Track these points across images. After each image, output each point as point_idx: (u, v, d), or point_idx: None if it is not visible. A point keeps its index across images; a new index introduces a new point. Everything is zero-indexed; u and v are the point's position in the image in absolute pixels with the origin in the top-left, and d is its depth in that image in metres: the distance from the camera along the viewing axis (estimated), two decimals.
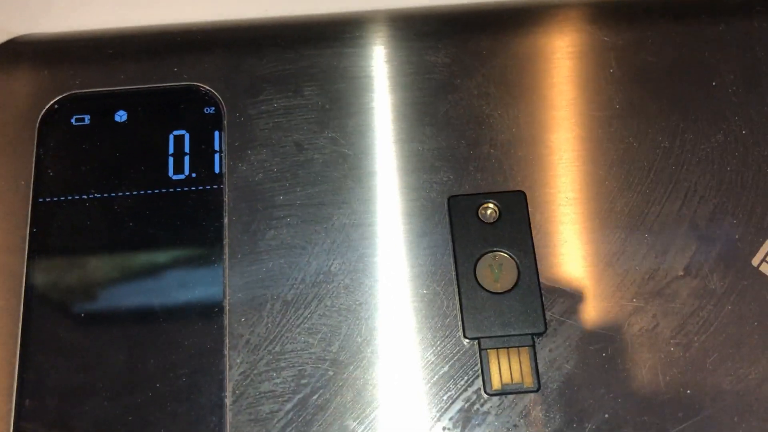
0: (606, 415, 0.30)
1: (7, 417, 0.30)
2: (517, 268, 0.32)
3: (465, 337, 0.31)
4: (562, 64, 0.36)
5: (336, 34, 0.37)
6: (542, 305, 0.31)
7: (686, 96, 0.35)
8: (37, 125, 0.35)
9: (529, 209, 0.33)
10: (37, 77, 0.36)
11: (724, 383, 0.31)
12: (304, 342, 0.31)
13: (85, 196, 0.34)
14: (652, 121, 0.35)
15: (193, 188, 0.34)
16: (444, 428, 0.30)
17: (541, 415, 0.30)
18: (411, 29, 0.37)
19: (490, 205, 0.33)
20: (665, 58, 0.36)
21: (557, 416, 0.30)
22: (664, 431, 0.30)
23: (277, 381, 0.31)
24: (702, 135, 0.35)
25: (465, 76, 0.36)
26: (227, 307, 0.32)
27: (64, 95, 0.36)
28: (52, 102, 0.35)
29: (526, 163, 0.34)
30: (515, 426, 0.30)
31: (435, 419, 0.30)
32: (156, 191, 0.34)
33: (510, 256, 0.32)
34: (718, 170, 0.34)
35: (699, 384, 0.31)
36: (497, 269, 0.32)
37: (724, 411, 0.30)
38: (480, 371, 0.31)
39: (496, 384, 0.30)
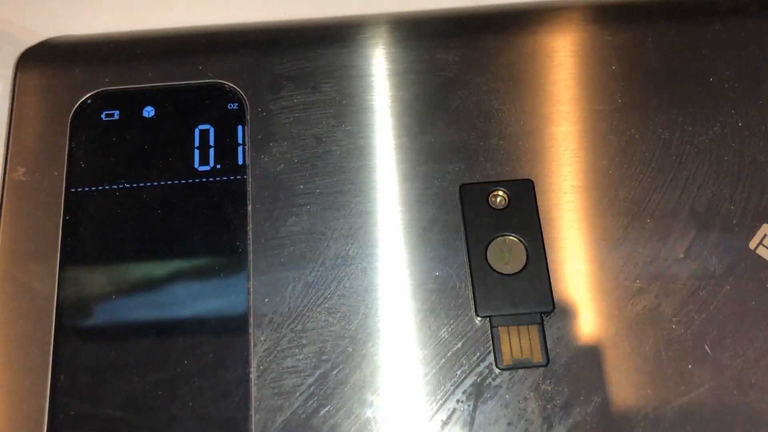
0: (611, 389, 0.32)
1: (43, 392, 0.32)
2: (526, 251, 0.34)
3: (477, 315, 0.33)
4: (566, 62, 0.38)
5: (351, 35, 0.39)
6: (550, 285, 0.33)
7: (684, 91, 0.37)
8: (70, 120, 0.37)
9: (537, 197, 0.35)
10: (69, 75, 0.38)
11: (724, 358, 0.32)
12: (325, 321, 0.33)
13: (114, 186, 0.36)
14: (652, 114, 0.37)
15: (218, 179, 0.36)
16: (458, 401, 0.32)
17: (550, 388, 0.32)
18: (422, 30, 0.39)
19: (500, 193, 0.35)
20: (664, 56, 0.38)
21: (565, 389, 0.32)
22: (667, 404, 0.32)
23: (299, 357, 0.32)
24: (700, 127, 0.36)
25: (474, 73, 0.38)
26: (251, 289, 0.34)
27: (94, 92, 0.38)
28: (83, 98, 0.37)
29: (533, 153, 0.36)
30: (525, 399, 0.32)
31: (449, 393, 0.32)
32: (183, 182, 0.36)
33: (519, 240, 0.34)
34: (715, 160, 0.36)
35: (699, 359, 0.32)
36: (507, 252, 0.34)
37: (724, 385, 0.32)
38: (491, 348, 0.32)
39: (507, 359, 0.32)
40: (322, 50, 0.38)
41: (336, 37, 0.39)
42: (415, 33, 0.39)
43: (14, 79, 0.39)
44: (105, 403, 0.32)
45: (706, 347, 0.32)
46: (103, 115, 0.37)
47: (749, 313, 0.33)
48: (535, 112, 0.37)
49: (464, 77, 0.38)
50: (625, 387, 0.32)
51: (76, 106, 0.37)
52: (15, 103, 0.38)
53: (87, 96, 0.37)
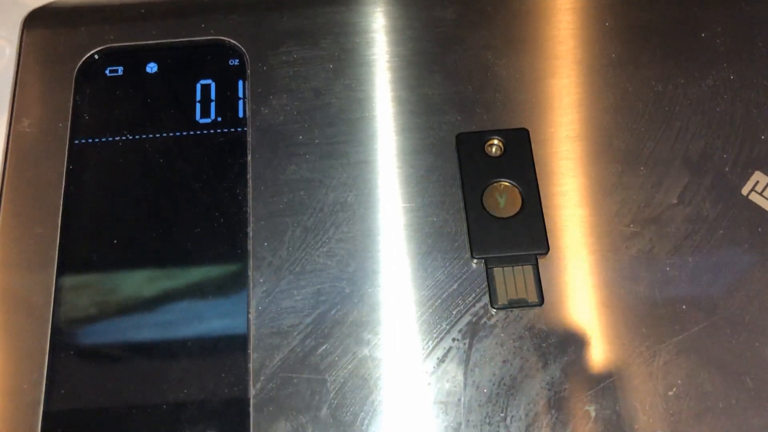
0: (605, 328, 0.32)
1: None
2: (521, 195, 0.34)
3: (473, 257, 0.33)
4: (561, 19, 0.39)
5: None
6: (545, 228, 0.34)
7: (677, 46, 0.38)
8: (75, 75, 0.38)
9: (532, 146, 0.36)
10: (74, 34, 0.39)
11: (717, 299, 0.33)
12: (323, 263, 0.34)
13: (117, 138, 0.37)
14: (645, 68, 0.37)
15: (219, 131, 0.37)
16: (453, 339, 0.32)
17: (545, 327, 0.32)
18: None
19: (495, 141, 0.35)
20: (657, 13, 0.39)
21: (560, 329, 0.32)
22: (661, 342, 0.32)
23: (298, 298, 0.33)
24: (692, 80, 0.37)
25: (471, 29, 0.38)
26: (251, 234, 0.34)
27: (99, 48, 0.38)
28: (88, 55, 0.38)
29: (529, 105, 0.37)
30: (521, 338, 0.32)
31: (445, 332, 0.32)
32: (184, 133, 0.37)
33: (514, 185, 0.35)
34: (708, 111, 0.36)
35: (693, 300, 0.33)
36: (502, 197, 0.34)
37: (717, 324, 0.32)
38: (487, 288, 0.33)
39: (502, 299, 0.33)
40: (321, 8, 0.39)
41: None
42: None
43: (20, 38, 0.39)
44: (106, 350, 0.32)
45: (700, 288, 0.33)
46: (107, 71, 0.38)
47: (742, 255, 0.33)
48: (530, 67, 0.38)
49: (461, 33, 0.38)
50: (619, 327, 0.32)
51: (80, 62, 0.38)
52: (21, 61, 0.39)
53: (92, 52, 0.38)
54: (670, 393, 0.31)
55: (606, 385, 0.31)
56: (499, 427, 0.31)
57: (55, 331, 0.33)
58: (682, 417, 0.31)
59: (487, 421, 0.31)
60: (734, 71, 0.37)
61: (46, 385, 0.32)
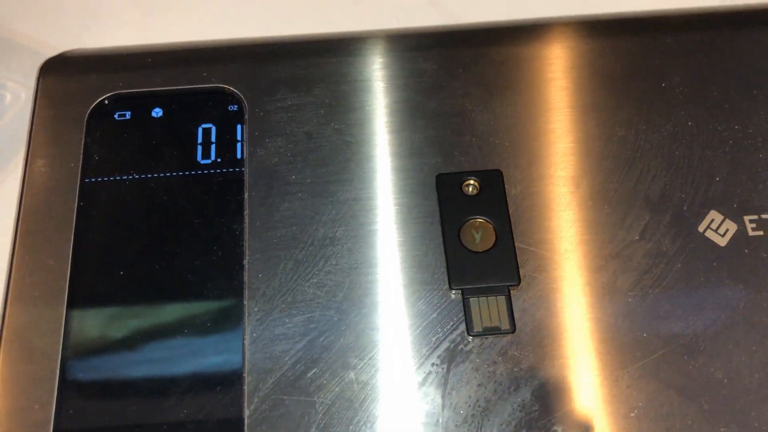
0: (573, 354, 0.35)
1: (54, 365, 0.35)
2: (495, 232, 0.37)
3: (451, 288, 0.36)
4: (531, 69, 0.42)
5: (341, 48, 0.43)
6: (516, 262, 0.37)
7: (639, 94, 0.41)
8: (86, 119, 0.41)
9: (506, 186, 0.39)
10: (86, 81, 0.42)
11: (676, 328, 0.35)
12: (313, 294, 0.36)
13: (125, 177, 0.40)
14: (609, 114, 0.41)
15: (218, 171, 0.40)
16: (433, 364, 0.35)
17: (516, 353, 0.35)
18: (404, 44, 0.44)
19: (472, 181, 0.39)
20: (621, 64, 0.42)
21: (530, 355, 0.35)
22: (624, 368, 0.35)
23: (289, 325, 0.36)
24: (653, 126, 0.40)
25: (450, 78, 0.42)
26: (247, 266, 0.37)
27: (109, 95, 0.42)
28: (98, 101, 0.42)
29: (503, 148, 0.40)
30: (494, 363, 0.35)
31: (425, 357, 0.35)
32: (186, 173, 0.40)
33: (489, 222, 0.38)
34: (667, 154, 0.40)
35: (653, 329, 0.35)
36: (478, 233, 0.37)
37: (676, 351, 0.35)
38: (464, 317, 0.36)
39: (477, 327, 0.35)
40: (314, 59, 0.43)
41: (327, 49, 0.43)
42: (398, 46, 0.43)
43: (36, 85, 0.43)
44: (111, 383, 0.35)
45: (660, 318, 0.36)
46: (116, 115, 0.41)
47: (699, 287, 0.36)
48: (504, 113, 0.41)
49: (441, 83, 0.42)
50: (585, 353, 0.35)
51: (91, 107, 0.41)
52: (36, 106, 0.42)
53: (102, 98, 0.42)
54: (632, 414, 0.34)
55: (572, 406, 0.34)
56: None
57: (65, 356, 0.35)
58: None
59: None
60: (691, 118, 0.41)
61: (56, 405, 0.34)
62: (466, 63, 0.42)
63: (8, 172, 0.42)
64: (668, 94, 0.41)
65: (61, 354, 0.35)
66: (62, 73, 0.43)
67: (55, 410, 0.34)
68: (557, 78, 0.42)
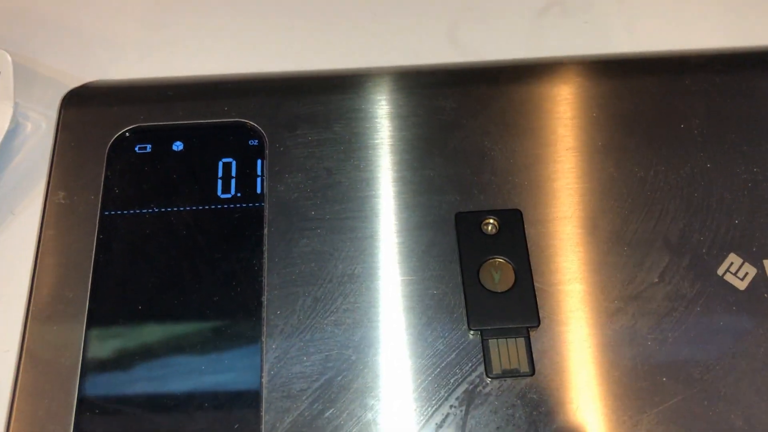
0: (593, 397, 0.35)
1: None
2: (515, 272, 0.37)
3: (470, 329, 0.36)
4: (552, 109, 0.42)
5: (361, 84, 0.44)
6: (536, 303, 0.36)
7: (658, 136, 0.41)
8: (107, 151, 0.41)
9: (525, 226, 0.39)
10: (108, 113, 0.43)
11: (695, 372, 0.35)
12: (331, 332, 0.36)
13: (145, 211, 0.40)
14: (629, 155, 0.41)
15: (238, 205, 0.40)
16: (451, 406, 0.35)
17: (536, 396, 0.35)
18: (424, 81, 0.44)
19: (491, 220, 0.39)
20: (640, 105, 0.42)
21: (549, 398, 0.35)
22: (643, 412, 0.34)
23: (307, 364, 0.36)
24: (672, 167, 0.40)
25: (469, 117, 0.42)
26: (265, 302, 0.37)
27: (130, 127, 0.42)
28: (119, 133, 0.42)
29: (522, 188, 0.40)
30: (513, 405, 0.35)
31: (443, 398, 0.35)
32: (206, 207, 0.40)
33: (508, 262, 0.38)
34: (686, 196, 0.40)
35: (673, 373, 0.35)
36: (497, 273, 0.37)
37: (695, 396, 0.35)
38: (482, 358, 0.36)
39: (496, 369, 0.35)
40: (334, 95, 0.43)
41: (347, 85, 0.44)
42: (417, 83, 0.44)
43: (58, 116, 0.43)
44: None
45: (679, 362, 0.35)
46: (137, 148, 0.42)
47: (718, 332, 0.36)
48: (523, 152, 0.41)
49: (460, 121, 0.42)
50: (604, 396, 0.35)
51: (113, 140, 0.42)
52: (58, 137, 0.42)
53: (123, 131, 0.42)
54: None
55: None
56: None
57: (82, 388, 0.35)
58: None
59: None
60: (710, 160, 0.41)
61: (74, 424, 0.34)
62: (486, 101, 0.42)
63: (29, 202, 0.42)
64: (687, 136, 0.41)
65: (75, 408, 0.35)
66: (84, 104, 0.43)
67: None
68: (576, 117, 0.42)
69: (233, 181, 0.41)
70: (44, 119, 0.46)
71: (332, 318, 0.37)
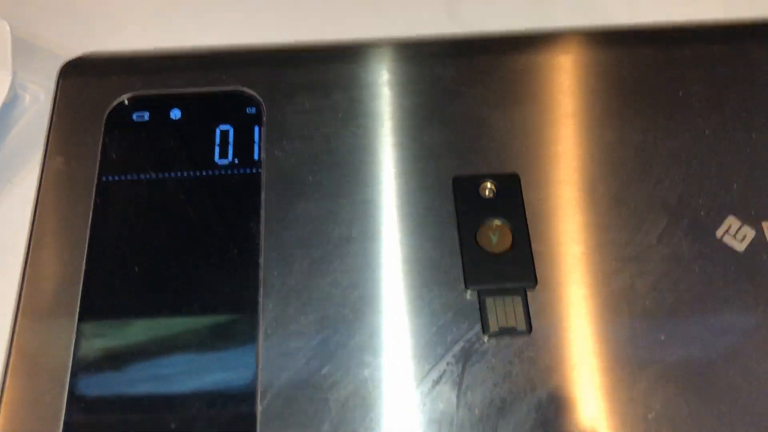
0: (589, 355, 0.35)
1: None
2: (513, 234, 0.37)
3: (467, 289, 0.36)
4: (550, 78, 0.43)
5: (361, 54, 0.44)
6: (533, 264, 0.36)
7: (656, 104, 0.41)
8: (104, 119, 0.41)
9: (523, 190, 0.39)
10: (106, 82, 0.43)
11: (694, 331, 0.35)
12: (328, 292, 0.36)
13: (142, 176, 0.40)
14: (626, 122, 0.41)
15: (236, 171, 0.40)
16: (448, 363, 0.34)
17: (532, 354, 0.35)
18: (423, 51, 0.44)
19: (489, 184, 0.39)
20: (639, 75, 0.42)
21: (546, 356, 0.35)
22: (641, 370, 0.34)
23: (304, 323, 0.35)
24: (670, 134, 0.40)
25: (468, 85, 0.42)
26: (262, 264, 0.37)
27: (128, 95, 0.42)
28: (117, 101, 0.42)
29: (520, 153, 0.40)
30: (510, 363, 0.34)
31: (440, 356, 0.35)
32: (204, 173, 0.40)
33: (506, 224, 0.37)
34: (684, 161, 0.40)
35: (671, 332, 0.35)
36: (495, 235, 0.37)
37: (694, 354, 0.35)
38: (479, 317, 0.35)
39: (493, 327, 0.35)
40: (333, 65, 0.43)
41: (346, 54, 0.44)
42: (416, 53, 0.44)
43: (56, 85, 0.43)
44: (117, 354, 0.35)
45: (678, 321, 0.35)
46: (134, 116, 0.42)
47: (717, 292, 0.36)
48: (522, 120, 0.41)
49: (459, 89, 0.42)
50: (602, 355, 0.35)
51: (110, 108, 0.42)
52: (56, 106, 0.42)
53: (121, 98, 0.42)
54: (650, 416, 0.33)
55: (590, 407, 0.33)
56: None
57: (76, 358, 0.35)
58: None
59: None
60: (708, 126, 0.41)
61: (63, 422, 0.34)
62: (485, 70, 0.43)
63: (27, 173, 0.42)
64: (686, 104, 0.41)
65: (76, 333, 0.35)
66: (82, 74, 0.44)
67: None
68: (575, 86, 0.42)
69: (230, 148, 0.41)
70: (43, 91, 0.46)
71: (329, 279, 0.37)
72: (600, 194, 0.39)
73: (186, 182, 0.40)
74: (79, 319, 0.36)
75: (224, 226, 0.38)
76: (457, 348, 0.35)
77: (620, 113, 0.41)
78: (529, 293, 0.36)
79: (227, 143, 0.41)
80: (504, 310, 0.35)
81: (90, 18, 0.47)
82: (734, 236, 0.37)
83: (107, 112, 0.42)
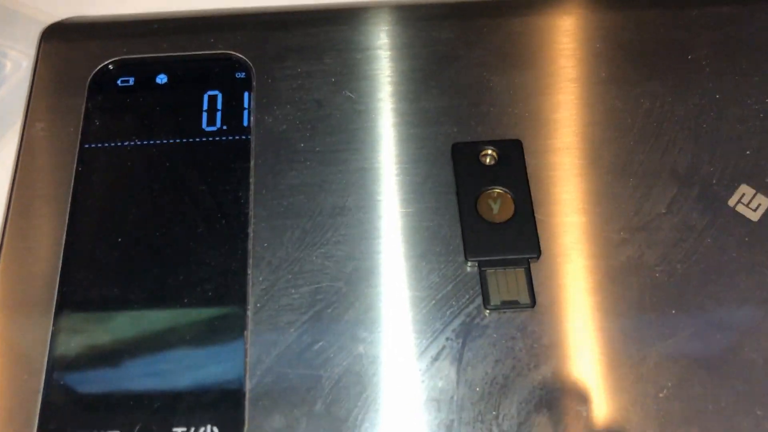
0: (597, 331, 0.33)
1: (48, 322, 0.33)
2: (514, 203, 0.35)
3: (467, 260, 0.34)
4: (553, 40, 0.40)
5: (354, 16, 0.42)
6: (536, 233, 0.35)
7: (665, 67, 0.39)
8: (88, 84, 0.40)
9: (525, 157, 0.37)
10: (89, 46, 0.41)
11: (706, 305, 0.33)
12: (321, 264, 0.34)
13: (126, 143, 0.38)
14: (634, 86, 0.39)
15: (224, 138, 0.38)
16: (447, 339, 0.33)
17: (536, 329, 0.33)
18: (420, 13, 0.42)
19: (489, 151, 0.37)
20: (646, 36, 0.40)
21: (551, 331, 0.33)
22: (651, 346, 0.33)
23: (295, 296, 0.34)
24: (679, 98, 0.39)
25: (467, 48, 0.40)
26: (251, 234, 0.35)
27: (112, 60, 0.40)
28: (101, 65, 0.40)
29: (522, 119, 0.38)
30: (513, 338, 0.33)
31: (439, 331, 0.33)
32: (191, 140, 0.38)
33: (507, 192, 0.36)
34: (695, 127, 0.38)
35: (682, 305, 0.33)
36: (496, 204, 0.35)
37: (707, 328, 0.33)
38: (480, 290, 0.34)
39: (494, 300, 0.33)
40: (325, 27, 0.41)
41: (339, 17, 0.42)
42: (412, 15, 0.42)
43: (37, 50, 0.41)
44: (101, 334, 0.33)
45: (689, 294, 0.33)
46: (119, 81, 0.40)
47: (730, 263, 0.34)
48: (523, 84, 0.39)
49: (458, 52, 0.40)
50: (610, 329, 0.33)
51: (94, 72, 0.40)
52: (37, 70, 0.40)
53: (105, 63, 0.40)
54: (661, 395, 0.32)
55: (597, 386, 0.32)
56: (491, 425, 0.31)
57: (58, 314, 0.33)
58: (673, 418, 0.31)
59: (480, 419, 0.31)
60: (719, 90, 0.39)
61: (45, 375, 0.32)
62: (484, 32, 0.41)
63: (7, 141, 0.41)
64: (695, 67, 0.39)
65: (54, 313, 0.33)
66: (65, 38, 0.42)
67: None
68: (579, 49, 0.40)
69: (219, 114, 0.39)
70: (25, 58, 0.44)
71: (322, 250, 0.35)
72: (605, 161, 0.37)
73: (172, 150, 0.38)
74: (60, 292, 0.34)
75: (212, 196, 0.36)
76: (456, 322, 0.33)
77: (626, 77, 0.39)
78: (532, 265, 0.34)
79: (215, 109, 0.39)
80: (506, 283, 0.34)
81: None
82: (747, 205, 0.36)
83: (90, 77, 0.40)
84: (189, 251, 0.35)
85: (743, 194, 0.36)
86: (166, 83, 0.40)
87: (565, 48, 0.40)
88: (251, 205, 0.36)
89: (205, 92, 0.39)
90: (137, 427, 0.31)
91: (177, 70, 0.40)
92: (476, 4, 0.42)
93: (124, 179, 0.37)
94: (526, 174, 0.36)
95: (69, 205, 0.36)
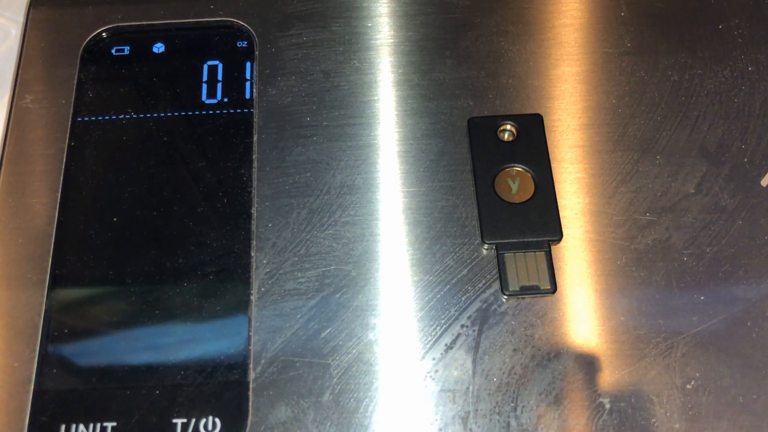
0: (621, 318, 0.31)
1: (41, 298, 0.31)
2: (534, 181, 0.33)
3: (483, 243, 0.32)
4: (574, 7, 0.38)
5: None
6: (558, 214, 0.33)
7: (694, 37, 0.37)
8: (80, 53, 0.37)
9: (545, 133, 0.35)
10: (82, 12, 0.38)
11: (737, 291, 0.31)
12: (329, 246, 0.32)
13: (121, 117, 0.36)
14: (661, 58, 0.37)
15: (225, 111, 0.36)
16: (462, 326, 0.31)
17: (557, 316, 0.31)
18: None
19: (508, 126, 0.35)
20: (674, 4, 0.38)
21: (573, 317, 0.31)
22: (679, 334, 0.31)
23: (302, 280, 0.32)
24: (709, 71, 0.36)
25: (484, 15, 0.38)
26: (255, 215, 0.33)
27: (106, 27, 0.38)
28: (94, 33, 0.38)
29: (542, 91, 0.36)
30: (532, 326, 0.31)
31: (454, 318, 0.31)
32: (189, 113, 0.36)
33: (527, 170, 0.34)
34: (725, 101, 0.35)
35: (712, 291, 0.31)
36: (515, 182, 0.33)
37: (737, 317, 0.31)
38: (498, 275, 0.32)
39: (513, 285, 0.31)
40: None
41: None
42: None
43: (26, 17, 0.39)
44: (100, 318, 0.31)
45: (719, 279, 0.31)
46: (113, 50, 0.38)
47: (762, 246, 0.32)
48: (544, 54, 0.37)
49: (474, 19, 0.38)
50: (635, 316, 0.31)
51: (87, 41, 0.38)
52: (26, 39, 0.38)
53: (98, 31, 0.38)
54: (689, 386, 0.30)
55: (621, 376, 0.30)
56: (509, 417, 0.29)
57: (51, 297, 0.31)
58: (701, 411, 0.29)
59: (497, 410, 0.30)
60: (752, 62, 0.36)
61: (38, 363, 0.30)
62: None
63: None
64: (727, 37, 0.37)
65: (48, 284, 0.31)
66: (56, 4, 0.39)
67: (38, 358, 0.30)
68: (603, 17, 0.38)
69: (219, 86, 0.37)
70: (13, 25, 0.42)
71: (330, 232, 0.33)
72: (631, 138, 0.35)
73: (170, 124, 0.36)
74: (52, 276, 0.32)
75: (213, 173, 0.34)
76: (472, 309, 0.31)
77: (653, 48, 0.37)
78: (553, 248, 0.32)
79: (216, 80, 0.37)
80: (525, 267, 0.32)
81: None
82: None
83: (83, 46, 0.37)
84: (188, 232, 0.33)
85: None
86: (163, 53, 0.37)
87: (588, 16, 0.38)
88: (254, 183, 0.34)
89: (205, 62, 0.37)
90: (134, 418, 0.29)
91: (175, 38, 0.38)
92: None
93: (119, 155, 0.35)
94: (547, 151, 0.34)
95: (61, 182, 0.34)
